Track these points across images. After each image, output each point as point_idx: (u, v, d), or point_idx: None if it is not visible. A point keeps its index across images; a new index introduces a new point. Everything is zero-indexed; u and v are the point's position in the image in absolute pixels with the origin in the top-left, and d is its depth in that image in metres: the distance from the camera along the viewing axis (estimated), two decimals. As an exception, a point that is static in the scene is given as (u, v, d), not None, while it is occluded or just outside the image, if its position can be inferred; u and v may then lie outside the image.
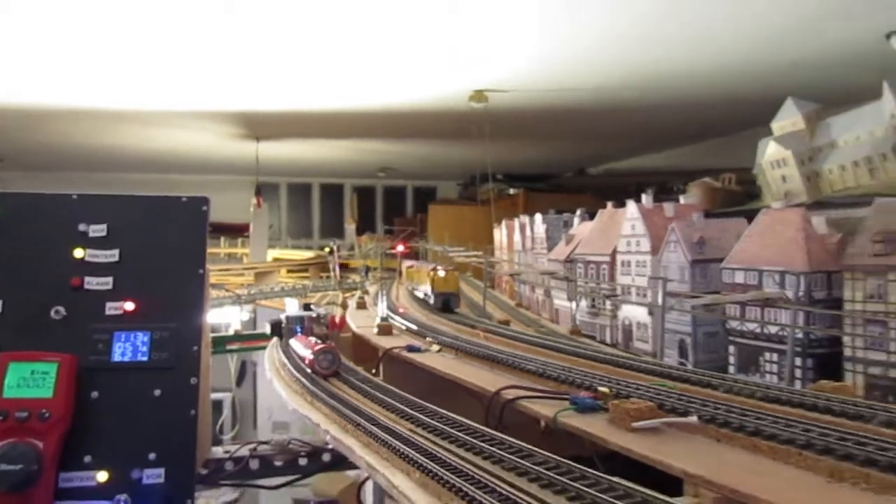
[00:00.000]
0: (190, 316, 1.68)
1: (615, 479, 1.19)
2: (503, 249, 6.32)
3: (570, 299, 4.34)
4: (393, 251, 6.41)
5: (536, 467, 1.30)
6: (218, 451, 2.44)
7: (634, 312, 3.66)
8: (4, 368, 1.50)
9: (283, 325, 3.25)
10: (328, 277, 8.01)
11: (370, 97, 5.51)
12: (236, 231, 10.36)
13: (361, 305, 4.80)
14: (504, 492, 1.17)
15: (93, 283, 1.68)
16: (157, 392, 1.61)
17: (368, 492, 2.93)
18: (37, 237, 1.70)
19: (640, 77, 4.83)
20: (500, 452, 1.40)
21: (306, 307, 3.44)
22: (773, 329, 2.74)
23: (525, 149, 8.32)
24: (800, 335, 2.63)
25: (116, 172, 10.48)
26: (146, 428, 1.58)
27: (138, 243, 1.73)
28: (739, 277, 2.91)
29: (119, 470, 1.53)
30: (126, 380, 1.61)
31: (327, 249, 8.61)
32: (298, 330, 3.11)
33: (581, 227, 4.73)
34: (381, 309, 3.95)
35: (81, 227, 1.72)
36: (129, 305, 1.66)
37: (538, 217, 5.31)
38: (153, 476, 1.55)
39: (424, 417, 1.74)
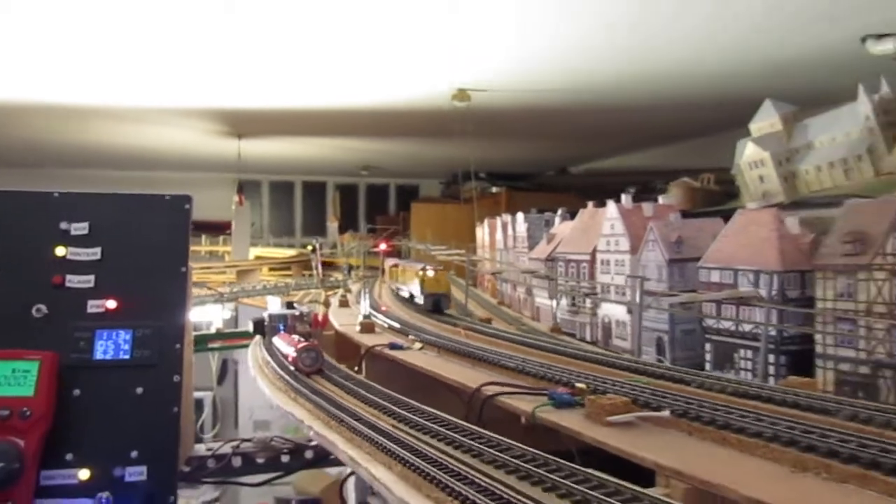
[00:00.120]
0: (172, 314, 1.69)
1: (589, 471, 1.23)
2: (485, 248, 6.36)
3: (550, 297, 4.39)
4: (376, 249, 6.43)
5: (514, 460, 1.33)
6: (200, 449, 2.45)
7: (614, 311, 3.72)
8: (-14, 366, 1.50)
9: (266, 324, 3.26)
10: (310, 275, 8.01)
11: (353, 95, 5.51)
12: (218, 229, 10.30)
13: (344, 303, 4.81)
14: (482, 483, 1.20)
15: (74, 281, 1.68)
16: (140, 390, 1.62)
17: (351, 489, 2.95)
18: (18, 235, 1.70)
19: (621, 78, 4.89)
20: (479, 446, 1.44)
21: (289, 305, 3.46)
22: (747, 327, 2.81)
23: (508, 148, 8.36)
24: (773, 333, 2.70)
25: (96, 169, 10.37)
26: (128, 426, 1.58)
27: (120, 241, 1.73)
28: (715, 276, 2.97)
29: (101, 467, 1.54)
30: (108, 378, 1.61)
31: (310, 248, 8.60)
32: (281, 328, 3.12)
33: (562, 227, 4.78)
34: (364, 307, 3.97)
35: (63, 225, 1.72)
36: (112, 303, 1.67)
37: (520, 216, 5.36)
38: (135, 474, 1.56)
39: (406, 413, 1.78)
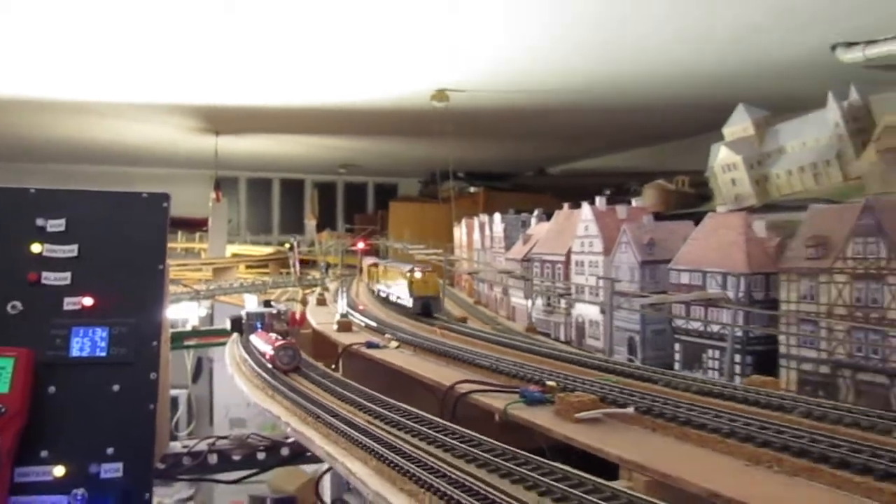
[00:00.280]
0: (149, 311, 1.70)
1: (556, 464, 1.28)
2: (463, 247, 6.41)
3: (526, 297, 4.45)
4: (353, 248, 6.43)
5: (485, 454, 1.38)
6: (176, 446, 2.46)
7: (587, 311, 3.78)
8: (-39, 363, 1.50)
9: (243, 321, 3.27)
10: (288, 274, 7.98)
11: (332, 94, 5.52)
12: (195, 226, 10.20)
13: (321, 302, 4.82)
14: (454, 476, 1.25)
15: (51, 277, 1.68)
16: (116, 387, 1.63)
17: (326, 486, 2.98)
18: (-7, 231, 1.70)
19: (598, 81, 4.97)
20: (452, 441, 1.48)
21: (266, 303, 3.46)
22: (715, 327, 2.89)
23: (486, 148, 8.42)
24: (739, 333, 2.78)
25: (72, 164, 10.21)
26: (104, 423, 1.60)
27: (97, 239, 1.74)
28: (685, 278, 3.05)
29: (76, 464, 1.55)
30: (84, 375, 1.62)
31: (287, 245, 8.57)
32: (259, 326, 3.13)
33: (538, 228, 4.85)
34: (342, 306, 3.99)
35: (39, 221, 1.72)
36: (88, 301, 1.68)
37: (497, 216, 5.41)
38: (111, 470, 1.57)
39: (381, 410, 1.81)
